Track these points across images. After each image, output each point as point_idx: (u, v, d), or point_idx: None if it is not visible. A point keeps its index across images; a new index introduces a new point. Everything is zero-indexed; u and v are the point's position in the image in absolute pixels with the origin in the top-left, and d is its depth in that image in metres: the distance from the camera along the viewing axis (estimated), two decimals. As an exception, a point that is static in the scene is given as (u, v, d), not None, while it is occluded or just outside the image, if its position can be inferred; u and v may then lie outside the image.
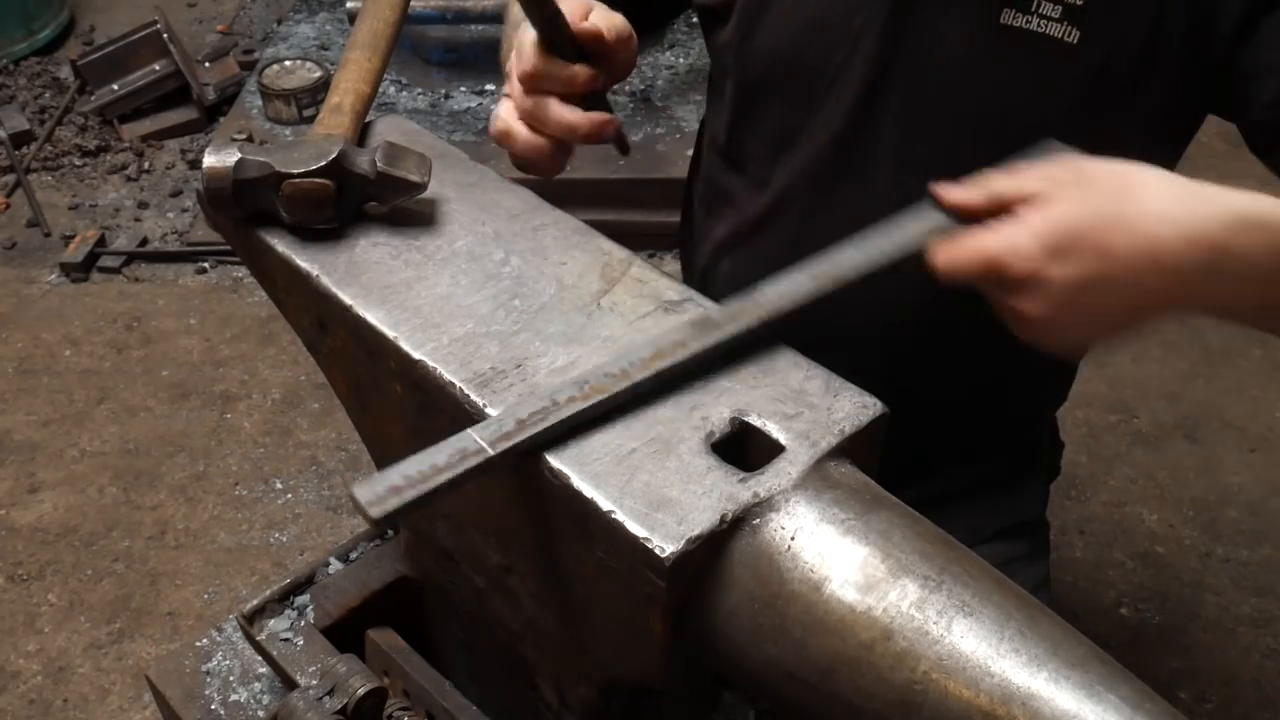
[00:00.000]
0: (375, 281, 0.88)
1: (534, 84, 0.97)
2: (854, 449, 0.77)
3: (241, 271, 2.99)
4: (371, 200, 0.93)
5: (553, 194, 0.99)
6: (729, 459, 0.74)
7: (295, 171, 0.89)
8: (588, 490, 0.72)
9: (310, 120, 3.29)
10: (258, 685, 1.09)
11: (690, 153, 1.45)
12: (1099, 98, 1.04)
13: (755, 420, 0.77)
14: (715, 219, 1.30)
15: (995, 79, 1.07)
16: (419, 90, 3.36)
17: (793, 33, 1.14)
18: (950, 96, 1.09)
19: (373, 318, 0.85)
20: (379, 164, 0.91)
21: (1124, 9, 1.01)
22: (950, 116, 1.11)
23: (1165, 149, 1.11)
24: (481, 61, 3.34)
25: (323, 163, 0.89)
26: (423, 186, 0.92)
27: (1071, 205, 0.81)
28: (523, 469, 0.76)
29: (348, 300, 0.87)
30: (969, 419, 1.24)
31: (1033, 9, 1.03)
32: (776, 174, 1.21)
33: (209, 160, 0.90)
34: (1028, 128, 1.07)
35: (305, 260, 0.90)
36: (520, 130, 0.99)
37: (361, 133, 1.01)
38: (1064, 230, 0.80)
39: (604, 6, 1.03)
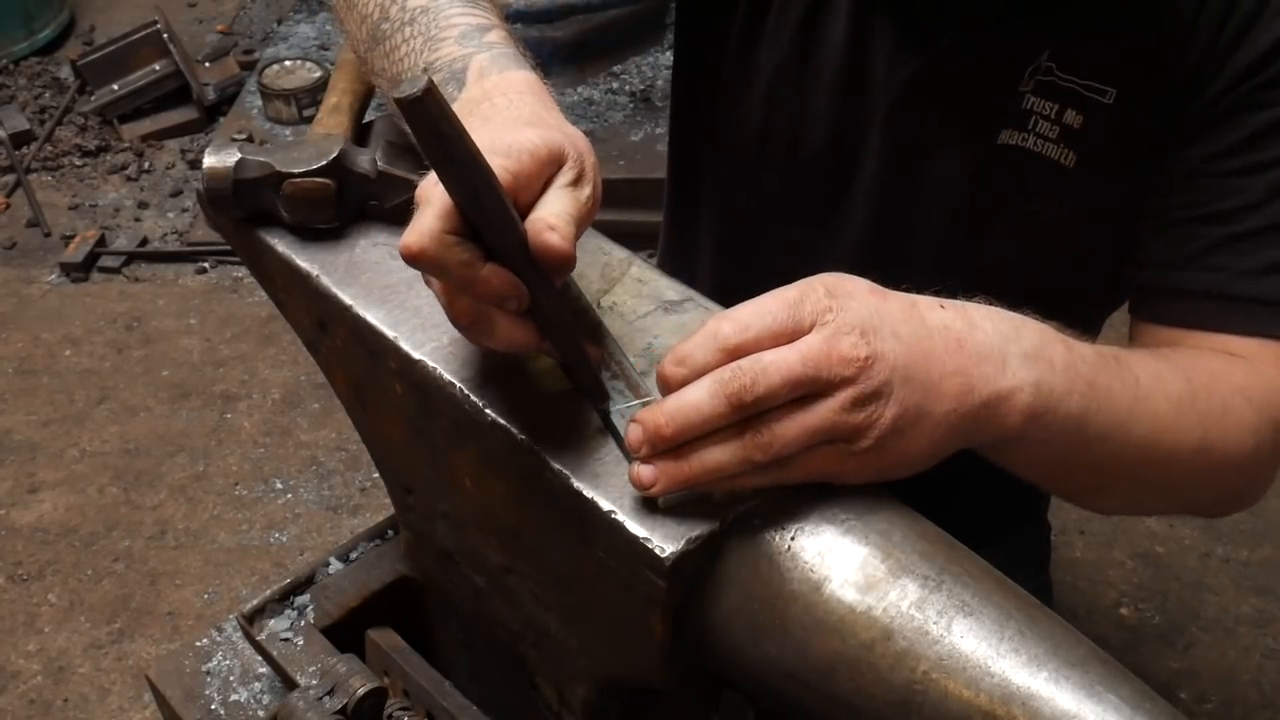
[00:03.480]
0: (375, 281, 0.88)
1: (433, 269, 0.68)
2: (854, 449, 0.77)
3: (241, 271, 3.00)
4: (372, 200, 0.93)
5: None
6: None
7: (295, 171, 0.89)
8: (588, 490, 0.72)
9: (310, 120, 3.30)
10: (258, 685, 1.08)
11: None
12: (1089, 224, 1.03)
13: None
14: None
15: (989, 192, 1.06)
16: (419, 90, 3.36)
17: (790, 117, 1.14)
18: (940, 204, 1.09)
19: (373, 318, 0.85)
20: (379, 163, 0.91)
21: (1123, 140, 0.99)
22: (939, 222, 1.10)
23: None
24: (481, 61, 3.34)
25: (323, 162, 0.89)
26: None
27: (859, 303, 0.70)
28: (526, 468, 0.76)
29: (348, 300, 0.87)
30: None
31: (1029, 127, 1.01)
32: (761, 238, 1.22)
33: (209, 160, 0.90)
34: (1016, 240, 1.08)
35: (305, 260, 0.90)
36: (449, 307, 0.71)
37: (361, 132, 1.01)
38: (867, 316, 0.69)
39: (569, 140, 0.74)
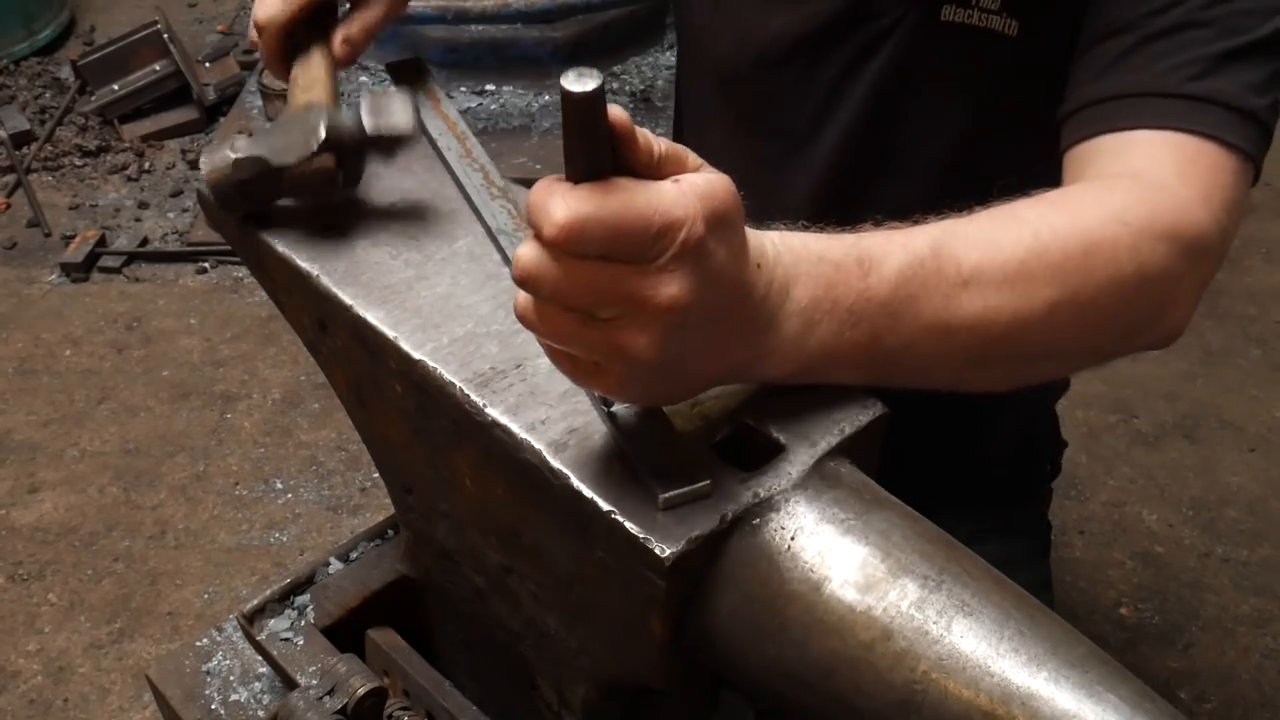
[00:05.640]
0: (375, 281, 0.88)
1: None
2: (854, 449, 0.77)
3: (241, 271, 3.00)
4: (373, 156, 0.92)
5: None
6: (729, 459, 0.74)
7: (292, 161, 0.88)
8: (588, 490, 0.72)
9: (310, 120, 3.29)
10: (258, 685, 1.09)
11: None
12: (1039, 91, 1.01)
13: (755, 420, 0.77)
14: None
15: (939, 75, 1.07)
16: (419, 90, 3.37)
17: (747, 25, 1.16)
18: (897, 94, 1.10)
19: (373, 318, 0.85)
20: (367, 124, 0.89)
21: None
22: (897, 114, 1.11)
23: None
24: (482, 62, 3.35)
25: (315, 145, 0.87)
26: (413, 132, 0.90)
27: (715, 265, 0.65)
28: (527, 472, 0.76)
29: (348, 300, 0.87)
30: (969, 420, 1.24)
31: (972, 3, 1.02)
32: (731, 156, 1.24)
33: (204, 164, 0.89)
34: (972, 123, 1.09)
35: (305, 260, 0.90)
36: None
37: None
38: (730, 203, 0.65)
39: None
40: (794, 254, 0.73)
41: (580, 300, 0.63)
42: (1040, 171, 0.95)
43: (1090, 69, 0.95)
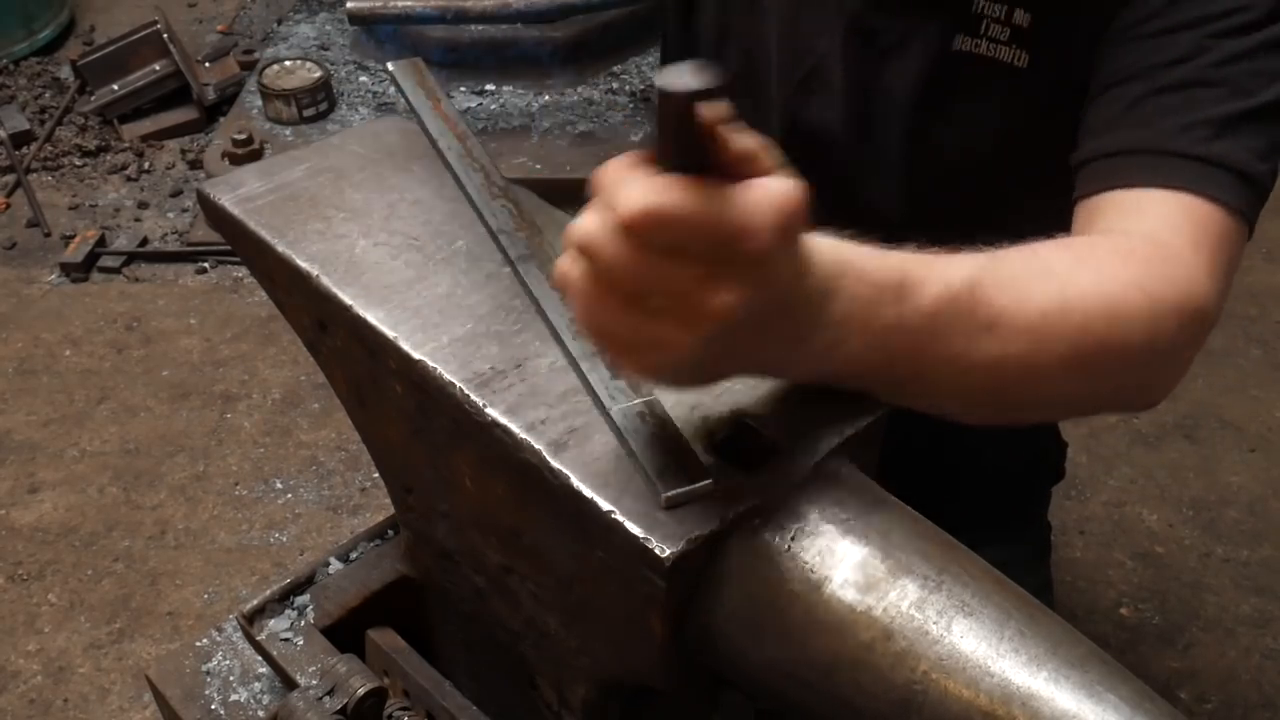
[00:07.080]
0: (375, 281, 0.88)
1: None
2: (854, 449, 0.77)
3: (241, 271, 3.00)
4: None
5: (553, 194, 0.99)
6: (729, 459, 0.74)
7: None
8: (588, 490, 0.72)
9: (310, 120, 3.30)
10: (258, 685, 1.08)
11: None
12: (1051, 124, 1.02)
13: (755, 420, 0.77)
14: None
15: (953, 106, 1.07)
16: (419, 90, 3.36)
17: (751, 45, 1.15)
18: (910, 123, 1.10)
19: (373, 318, 0.85)
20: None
21: (1071, 32, 0.98)
22: (911, 143, 1.11)
23: None
24: (482, 62, 3.35)
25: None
26: None
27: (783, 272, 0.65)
28: (527, 471, 0.76)
29: (348, 300, 0.87)
30: (974, 428, 1.24)
31: (981, 31, 1.01)
32: None
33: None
34: (987, 154, 1.08)
35: (305, 260, 0.90)
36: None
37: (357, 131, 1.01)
38: (800, 216, 0.63)
39: None
40: (839, 266, 0.72)
41: (632, 285, 0.63)
42: (1060, 209, 0.96)
43: (1101, 116, 0.96)
